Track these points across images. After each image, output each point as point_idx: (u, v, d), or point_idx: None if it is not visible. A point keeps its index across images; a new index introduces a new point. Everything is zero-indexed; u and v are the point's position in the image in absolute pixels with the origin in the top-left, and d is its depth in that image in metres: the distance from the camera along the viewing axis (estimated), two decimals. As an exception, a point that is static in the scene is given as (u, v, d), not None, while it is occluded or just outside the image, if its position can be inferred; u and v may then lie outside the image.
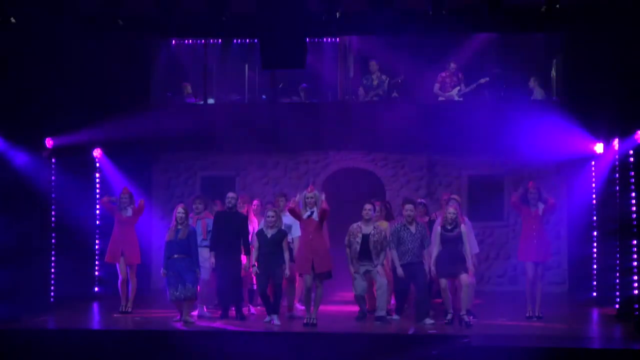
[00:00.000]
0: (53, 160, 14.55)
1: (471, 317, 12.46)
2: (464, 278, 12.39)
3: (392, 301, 13.46)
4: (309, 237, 12.33)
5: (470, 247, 12.82)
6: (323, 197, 12.47)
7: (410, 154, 16.73)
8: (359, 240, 12.63)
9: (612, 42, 13.10)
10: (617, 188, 13.27)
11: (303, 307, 13.52)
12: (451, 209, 12.59)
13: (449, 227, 12.52)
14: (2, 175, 13.22)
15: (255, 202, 14.32)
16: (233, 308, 13.06)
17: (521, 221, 13.39)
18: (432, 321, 12.43)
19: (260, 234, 12.63)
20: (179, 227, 12.62)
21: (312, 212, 12.44)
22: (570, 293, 15.73)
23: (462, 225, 12.57)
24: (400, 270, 12.57)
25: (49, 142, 14.27)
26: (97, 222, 15.61)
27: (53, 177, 14.56)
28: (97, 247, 15.59)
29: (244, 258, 13.01)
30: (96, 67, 14.73)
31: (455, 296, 12.78)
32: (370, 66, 16.66)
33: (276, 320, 12.51)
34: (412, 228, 12.65)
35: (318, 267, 12.32)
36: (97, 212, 15.62)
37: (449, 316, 12.53)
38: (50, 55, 13.73)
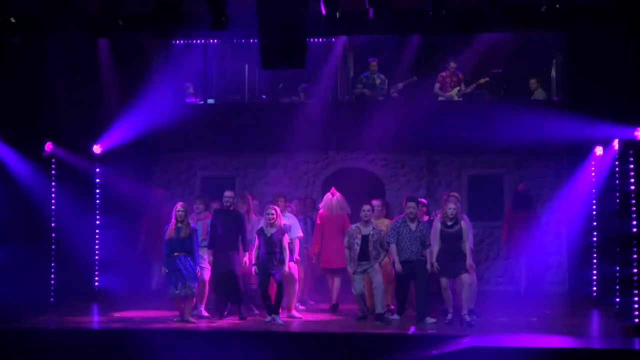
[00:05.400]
0: (52, 160, 14.55)
1: (474, 317, 12.49)
2: (465, 277, 12.38)
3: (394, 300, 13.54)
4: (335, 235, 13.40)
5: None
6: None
7: (410, 154, 16.74)
8: (358, 241, 12.63)
9: (612, 42, 13.11)
10: (617, 188, 13.27)
11: (303, 307, 13.63)
12: (451, 205, 12.58)
13: (449, 224, 12.51)
14: (1, 176, 13.22)
15: (254, 201, 14.33)
16: (232, 307, 13.07)
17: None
18: (433, 320, 12.41)
19: (260, 232, 12.64)
20: (179, 225, 12.63)
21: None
22: (570, 293, 15.73)
23: (462, 222, 12.57)
24: (399, 266, 12.56)
25: (48, 146, 14.26)
26: (97, 222, 15.60)
27: (53, 178, 14.56)
28: (97, 247, 15.57)
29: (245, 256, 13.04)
30: (96, 67, 14.73)
31: (455, 295, 12.77)
32: (371, 66, 16.64)
33: (278, 320, 12.52)
34: (412, 226, 12.64)
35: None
36: (97, 212, 15.61)
37: (450, 316, 12.51)
38: (50, 55, 13.72)
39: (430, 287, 12.86)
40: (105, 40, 14.92)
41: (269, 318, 12.56)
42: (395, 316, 12.93)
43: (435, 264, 12.41)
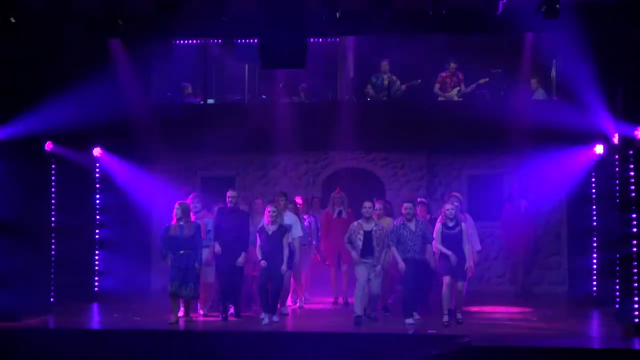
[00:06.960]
0: (53, 160, 14.54)
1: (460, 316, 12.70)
2: (460, 285, 12.43)
3: (390, 301, 13.53)
4: (338, 233, 13.77)
5: (472, 244, 12.82)
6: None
7: (410, 154, 16.73)
8: (360, 237, 12.63)
9: (611, 42, 13.11)
10: (617, 188, 13.27)
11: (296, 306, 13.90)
12: (448, 205, 12.57)
13: (450, 225, 12.50)
14: (1, 174, 13.22)
15: (258, 200, 14.35)
16: (232, 306, 13.08)
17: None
18: (412, 321, 12.34)
19: (261, 231, 12.66)
20: (182, 223, 12.64)
21: (340, 211, 14.33)
22: (570, 293, 15.74)
23: (463, 224, 12.56)
24: (402, 264, 12.48)
25: (48, 145, 14.24)
26: (97, 222, 15.60)
27: (53, 177, 14.55)
28: (97, 247, 15.57)
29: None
30: (96, 67, 14.72)
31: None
32: (382, 66, 16.59)
33: (275, 318, 12.54)
34: (412, 226, 12.62)
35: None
36: (97, 211, 15.61)
37: (446, 318, 12.45)
38: (50, 55, 13.72)
39: (430, 286, 12.86)
40: (105, 39, 14.91)
41: (266, 319, 12.52)
42: (416, 315, 12.71)
43: (449, 252, 12.32)
